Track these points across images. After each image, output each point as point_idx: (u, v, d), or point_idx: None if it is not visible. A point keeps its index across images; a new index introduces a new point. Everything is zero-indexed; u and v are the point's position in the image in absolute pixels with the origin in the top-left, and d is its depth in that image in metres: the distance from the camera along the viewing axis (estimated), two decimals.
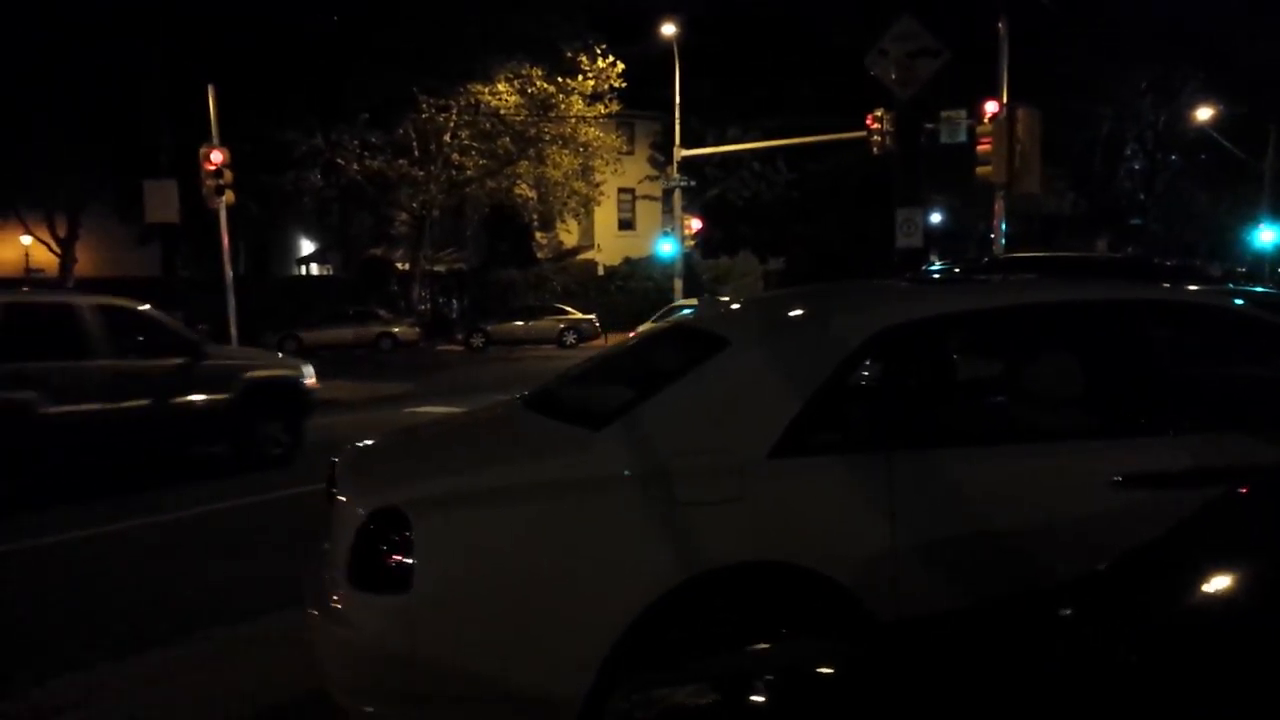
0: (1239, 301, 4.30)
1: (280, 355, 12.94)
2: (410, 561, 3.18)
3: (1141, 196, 52.08)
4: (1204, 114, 43.20)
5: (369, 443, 4.32)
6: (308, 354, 25.05)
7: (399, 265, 37.44)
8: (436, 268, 37.34)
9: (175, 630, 5.56)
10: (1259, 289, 14.65)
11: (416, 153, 29.05)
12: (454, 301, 39.46)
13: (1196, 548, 2.24)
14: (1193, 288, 7.54)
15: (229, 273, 18.25)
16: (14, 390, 8.81)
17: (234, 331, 18.10)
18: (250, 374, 10.82)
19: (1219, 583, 2.10)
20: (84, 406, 9.27)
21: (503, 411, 4.55)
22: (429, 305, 38.18)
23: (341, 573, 3.38)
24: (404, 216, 32.43)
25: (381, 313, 33.67)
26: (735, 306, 4.83)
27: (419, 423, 4.72)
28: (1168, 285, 5.18)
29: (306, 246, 47.04)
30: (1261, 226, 40.35)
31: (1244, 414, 3.84)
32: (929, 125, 20.89)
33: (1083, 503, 3.50)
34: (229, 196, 17.62)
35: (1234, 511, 2.38)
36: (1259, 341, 4.08)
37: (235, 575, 6.64)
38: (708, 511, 3.31)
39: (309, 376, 11.37)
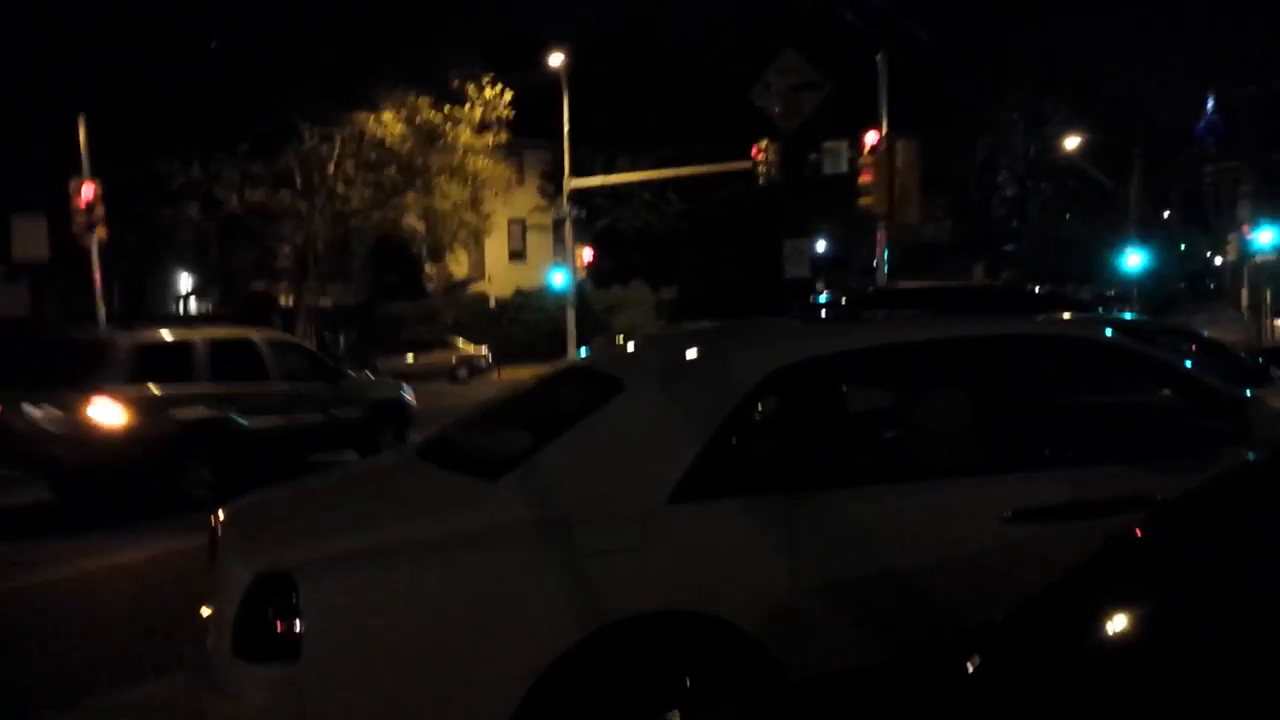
0: (1109, 332, 4.43)
1: (389, 380, 15.92)
2: (299, 629, 3.03)
3: (1015, 223, 54.12)
4: (1072, 143, 45.17)
5: (252, 499, 4.14)
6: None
7: (282, 300, 36.50)
8: (322, 302, 36.49)
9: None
10: (1126, 314, 15.33)
11: (300, 184, 28.38)
12: (340, 336, 38.65)
13: (1094, 592, 2.26)
14: (1067, 318, 7.82)
15: (102, 311, 17.52)
16: (217, 408, 10.89)
17: None
18: (373, 394, 13.60)
19: (1120, 627, 2.12)
20: (267, 421, 11.36)
21: (395, 462, 4.42)
22: (314, 340, 37.28)
23: (226, 642, 3.21)
24: (287, 250, 31.59)
25: None
26: (631, 347, 4.79)
27: (305, 475, 4.53)
28: (1043, 318, 5.33)
29: (186, 282, 45.54)
30: (1128, 251, 42.24)
31: (1123, 443, 3.95)
32: (813, 156, 21.32)
33: (976, 539, 3.54)
34: (101, 232, 16.95)
35: (1129, 553, 2.42)
36: (1130, 370, 4.21)
37: None
38: (609, 561, 3.25)
39: (410, 396, 14.16)
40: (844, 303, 12.80)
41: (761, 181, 24.01)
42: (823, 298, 15.13)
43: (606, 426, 3.60)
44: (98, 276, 17.40)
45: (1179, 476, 3.62)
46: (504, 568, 3.20)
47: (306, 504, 4.04)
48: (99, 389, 10.12)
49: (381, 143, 28.25)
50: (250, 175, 28.20)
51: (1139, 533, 2.45)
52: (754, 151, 23.97)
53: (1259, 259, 29.60)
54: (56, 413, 10.10)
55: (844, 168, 20.73)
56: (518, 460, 3.53)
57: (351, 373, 14.47)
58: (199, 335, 11.48)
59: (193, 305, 45.40)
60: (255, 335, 12.25)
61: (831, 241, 43.60)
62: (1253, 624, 1.80)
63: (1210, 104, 61.85)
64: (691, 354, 4.11)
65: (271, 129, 26.53)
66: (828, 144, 21.05)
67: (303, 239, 29.86)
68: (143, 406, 10.27)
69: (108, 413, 10.04)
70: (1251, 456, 2.61)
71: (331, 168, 28.40)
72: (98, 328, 14.89)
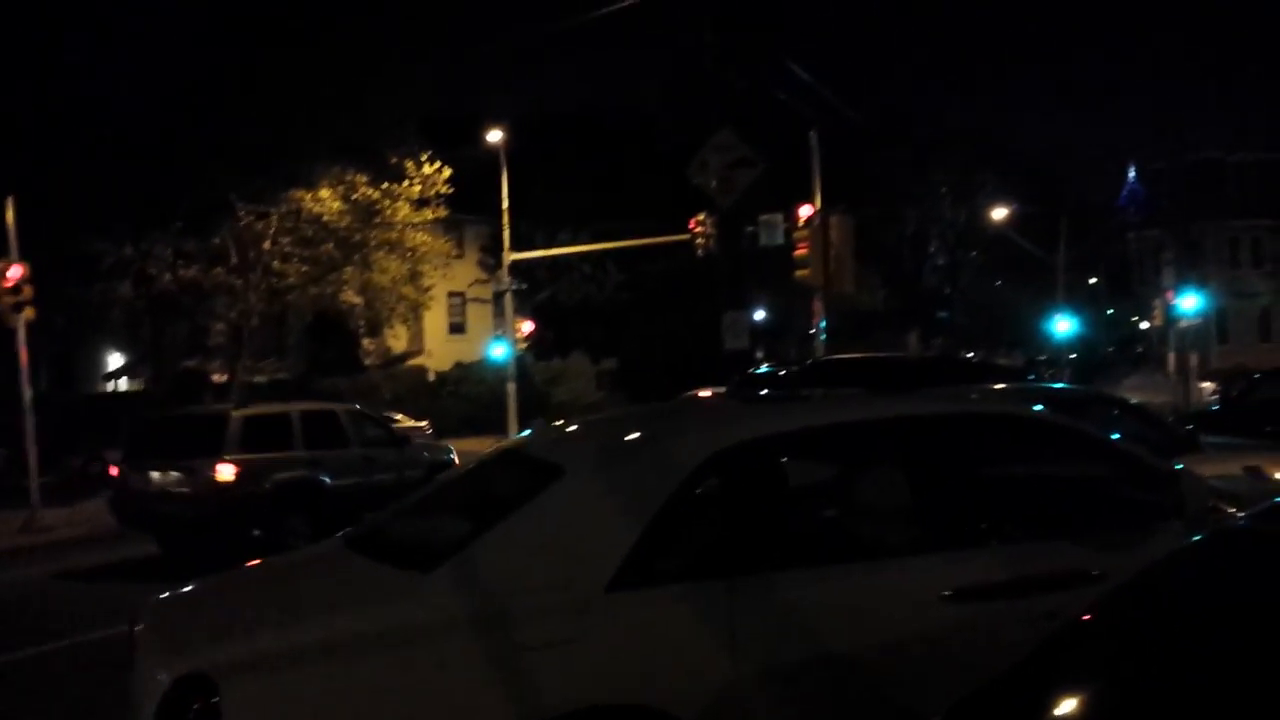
0: (1041, 408, 4.49)
1: (441, 445, 18.20)
2: None
3: (947, 291, 55.28)
4: (1000, 213, 46.40)
5: (172, 593, 3.98)
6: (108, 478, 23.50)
7: (215, 377, 35.86)
8: (256, 379, 35.94)
9: None
10: (1058, 383, 15.63)
11: (234, 260, 28.05)
12: None
13: (1046, 681, 2.24)
14: (1001, 389, 7.93)
15: (28, 392, 17.03)
16: (311, 471, 12.63)
17: (33, 454, 16.82)
18: (430, 456, 15.43)
19: (1074, 716, 2.10)
20: (349, 480, 12.93)
21: (323, 554, 4.28)
22: None
23: None
24: (220, 326, 31.12)
25: None
26: (569, 431, 4.74)
27: (230, 569, 4.38)
28: (977, 394, 5.39)
29: (115, 360, 44.59)
30: (1057, 317, 43.26)
31: (1058, 518, 3.97)
32: (750, 228, 21.64)
33: (918, 620, 3.52)
34: (29, 313, 16.55)
35: (1080, 640, 2.40)
36: (1062, 446, 4.26)
37: None
38: (547, 654, 3.17)
39: (456, 457, 15.96)
40: (783, 375, 12.93)
41: (700, 253, 24.26)
42: (763, 369, 15.26)
43: (544, 514, 3.53)
44: (24, 357, 16.94)
45: (1115, 551, 3.65)
46: (437, 666, 3.10)
47: (229, 600, 3.88)
48: (216, 456, 12.06)
49: (318, 219, 28.10)
50: (183, 252, 27.83)
51: (1089, 618, 2.44)
52: (692, 224, 24.26)
53: (1183, 324, 30.47)
54: (178, 476, 12.12)
55: (780, 239, 21.04)
56: (452, 551, 3.45)
57: (412, 439, 17.46)
58: (293, 409, 13.65)
59: (123, 384, 44.44)
60: (338, 409, 14.73)
61: (771, 310, 44.11)
62: (1205, 712, 1.79)
63: (1132, 175, 64.13)
64: (630, 438, 4.08)
65: (206, 207, 26.29)
66: (764, 216, 21.38)
67: (237, 315, 29.43)
68: (250, 470, 12.11)
69: (223, 475, 11.94)
70: (1197, 538, 2.61)
71: (267, 244, 28.12)
72: (213, 405, 18.27)
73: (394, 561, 3.64)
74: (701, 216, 23.92)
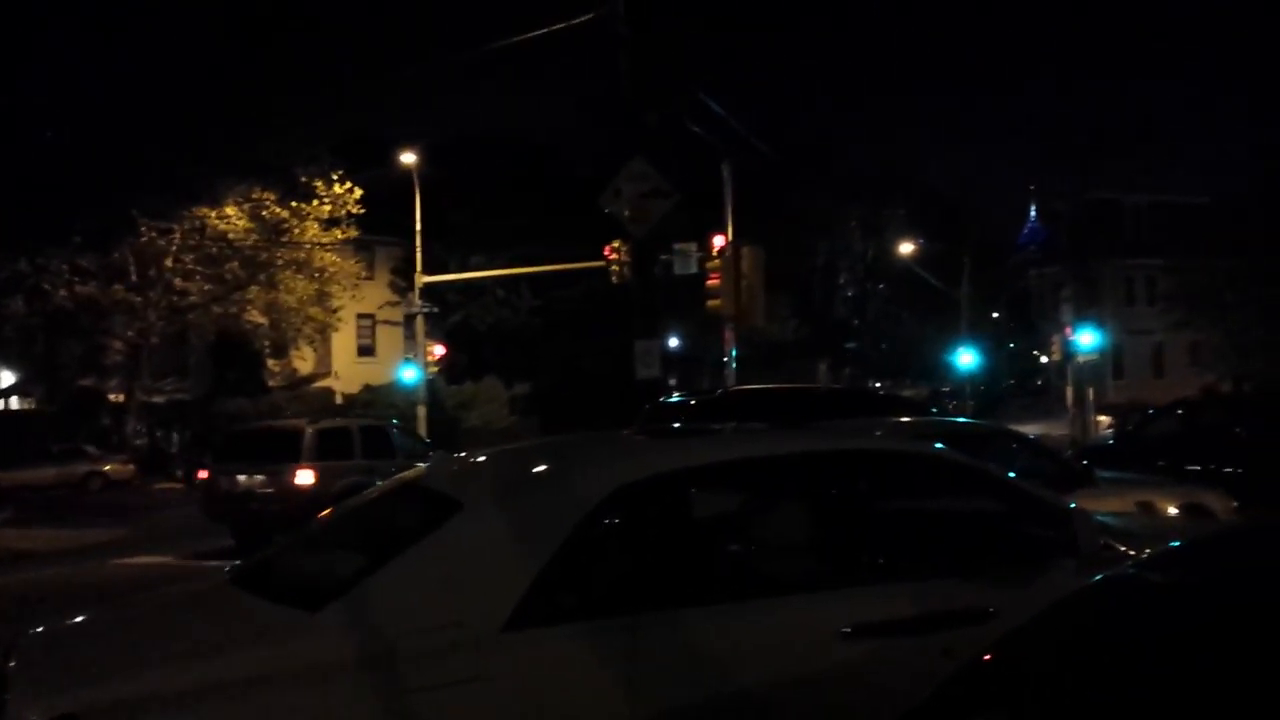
0: (941, 446, 4.54)
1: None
2: None
3: (856, 322, 56.34)
4: (907, 247, 47.47)
5: (49, 628, 3.77)
6: (3, 498, 22.56)
7: (112, 397, 34.72)
8: (155, 399, 34.92)
9: None
10: (960, 418, 15.98)
11: (135, 277, 27.28)
12: (174, 435, 36.93)
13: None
14: (903, 425, 8.04)
15: None
16: (367, 476, 13.46)
17: None
18: None
19: None
20: None
21: (207, 591, 4.10)
22: (146, 440, 35.56)
23: None
24: (118, 345, 30.23)
25: (90, 449, 30.97)
26: (469, 463, 4.65)
27: (108, 604, 4.18)
28: (881, 431, 5.45)
29: (6, 378, 42.87)
30: (960, 350, 44.33)
31: (957, 555, 4.01)
32: (664, 256, 21.71)
33: (817, 657, 3.50)
34: None
35: (982, 682, 2.41)
36: (961, 483, 4.31)
37: None
38: (439, 697, 3.06)
39: None
40: (694, 404, 12.98)
41: (615, 280, 24.24)
42: (674, 398, 15.30)
43: (439, 550, 3.44)
44: None
45: (1010, 588, 3.69)
46: (325, 709, 2.98)
47: (109, 638, 3.68)
48: (296, 462, 14.54)
49: (224, 236, 27.49)
50: (81, 268, 26.96)
51: (989, 658, 2.45)
52: (607, 251, 24.26)
53: (1081, 359, 31.41)
54: (263, 479, 14.41)
55: (694, 269, 21.15)
56: (342, 588, 3.32)
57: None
58: (353, 424, 16.56)
59: (14, 402, 42.72)
60: (386, 425, 17.83)
61: (685, 338, 44.37)
62: None
63: (1033, 213, 66.23)
64: (532, 472, 4.01)
65: (106, 221, 25.54)
66: (678, 246, 21.48)
67: (136, 333, 28.59)
68: (322, 474, 14.36)
69: (303, 479, 14.28)
70: (1089, 582, 2.65)
71: (169, 261, 27.42)
72: (289, 420, 20.50)
73: (281, 599, 3.50)
74: (617, 243, 23.93)
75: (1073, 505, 4.32)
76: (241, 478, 14.80)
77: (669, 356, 37.99)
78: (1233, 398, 25.03)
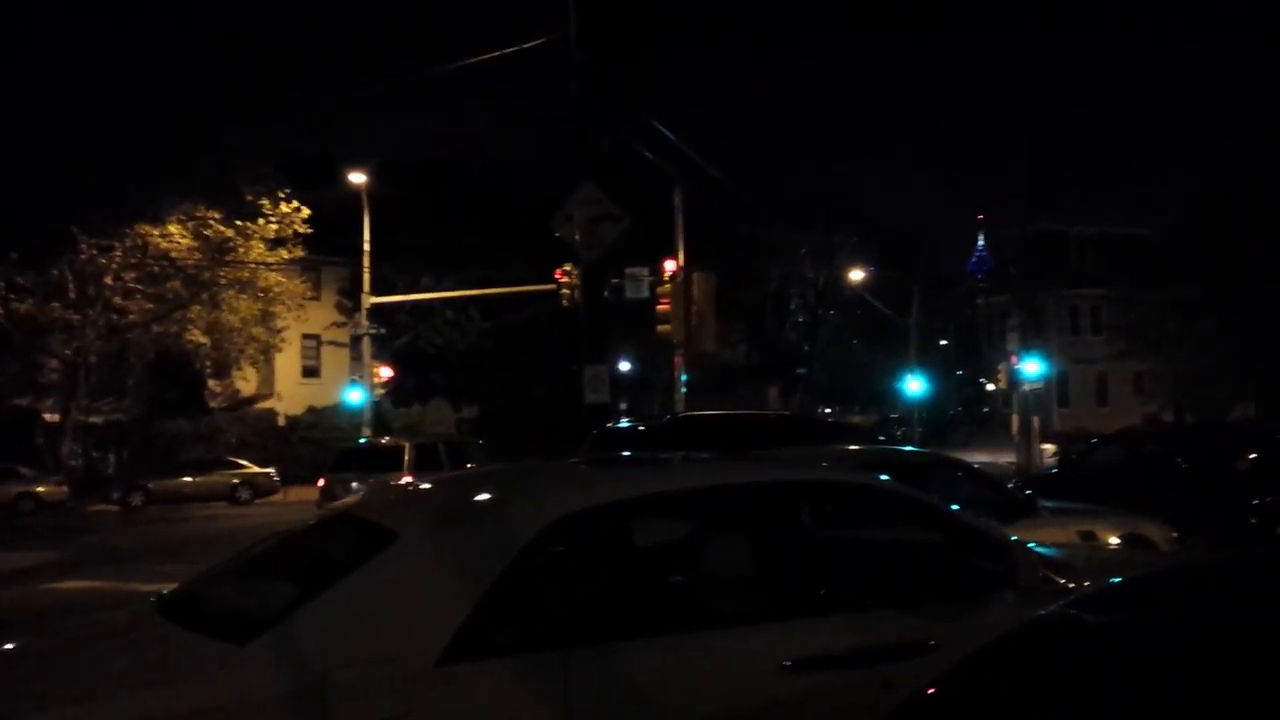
0: (885, 477, 4.53)
1: None
2: None
3: (806, 348, 56.72)
4: (857, 275, 47.96)
5: None
6: None
7: (48, 416, 33.94)
8: (92, 419, 34.20)
9: None
10: (905, 448, 16.08)
11: (73, 295, 26.70)
12: (111, 456, 36.17)
13: None
14: (847, 454, 8.04)
15: None
16: None
17: None
18: None
19: None
20: None
21: (130, 621, 3.96)
22: (81, 460, 34.79)
23: None
24: (55, 363, 29.55)
25: (23, 470, 30.20)
26: (406, 492, 4.55)
27: (31, 633, 4.01)
28: (826, 463, 5.45)
29: None
30: (909, 377, 44.82)
31: (898, 587, 3.99)
32: (616, 280, 21.70)
33: (757, 690, 3.45)
34: None
35: (925, 715, 2.38)
36: (903, 514, 4.30)
37: None
38: None
39: None
40: (642, 430, 12.94)
41: (566, 304, 24.19)
42: (623, 423, 15.25)
43: (372, 582, 3.34)
44: None
45: (951, 621, 3.68)
46: None
47: (24, 671, 3.53)
48: (400, 472, 17.66)
49: (166, 255, 27.02)
50: (17, 285, 26.35)
51: (931, 693, 2.42)
52: (558, 274, 24.21)
53: (1026, 387, 31.81)
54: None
55: (645, 293, 21.16)
56: (272, 621, 3.21)
57: None
58: (440, 441, 20.62)
59: None
60: (471, 443, 22.53)
61: (636, 362, 44.37)
62: None
63: (981, 242, 67.34)
64: (469, 502, 3.93)
65: (44, 238, 25.00)
66: (630, 270, 21.47)
67: (73, 352, 27.96)
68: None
69: None
70: (1049, 609, 2.65)
71: (110, 279, 26.88)
72: (392, 437, 23.90)
73: (208, 631, 3.38)
74: (568, 267, 23.90)
75: (1013, 538, 4.33)
76: (354, 484, 16.82)
77: (620, 380, 37.92)
78: (1175, 428, 25.46)
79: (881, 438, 20.42)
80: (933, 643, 3.58)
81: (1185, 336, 37.27)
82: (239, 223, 27.43)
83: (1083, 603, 2.54)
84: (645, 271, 21.26)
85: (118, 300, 27.18)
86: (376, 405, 32.63)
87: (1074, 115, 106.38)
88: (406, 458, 18.88)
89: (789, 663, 3.49)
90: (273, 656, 3.07)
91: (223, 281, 28.17)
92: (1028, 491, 9.48)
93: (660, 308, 18.73)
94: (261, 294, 29.08)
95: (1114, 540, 8.05)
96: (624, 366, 42.87)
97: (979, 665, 2.46)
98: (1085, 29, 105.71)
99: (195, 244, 26.95)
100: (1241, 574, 2.59)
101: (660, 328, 18.78)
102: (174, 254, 26.86)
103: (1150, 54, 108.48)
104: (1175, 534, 8.73)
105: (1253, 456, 11.88)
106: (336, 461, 20.80)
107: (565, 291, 24.02)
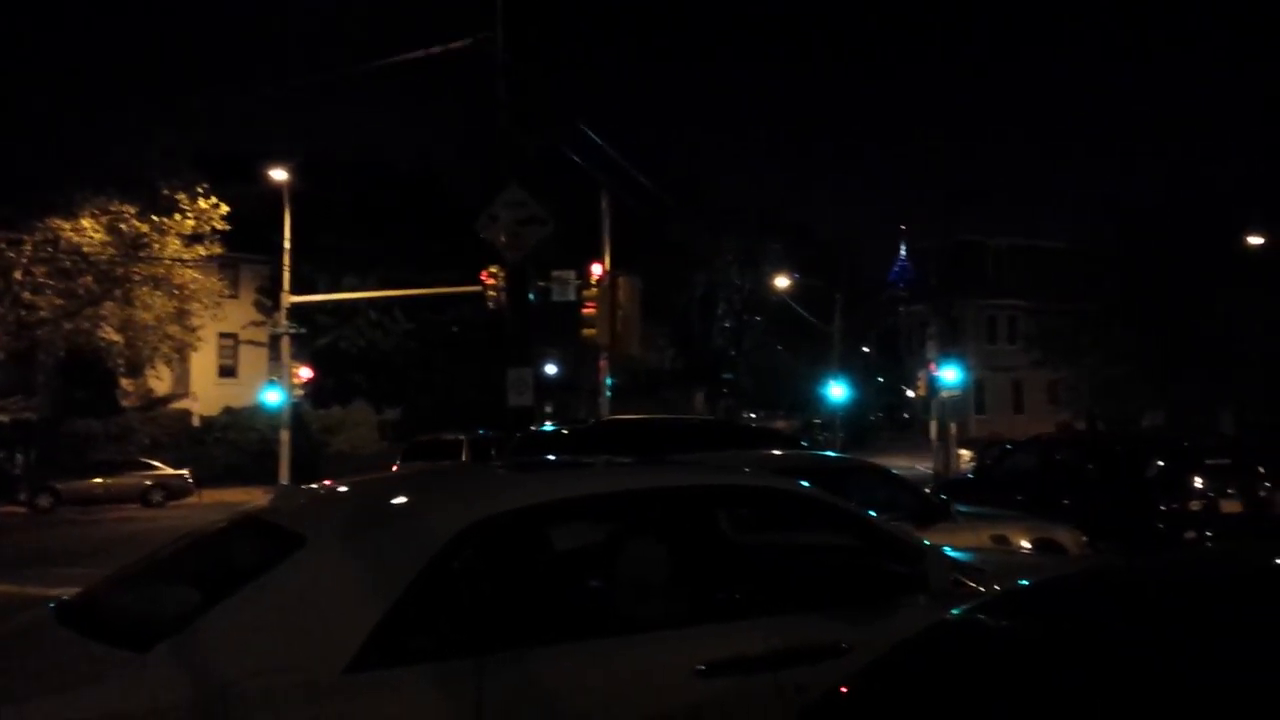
0: (803, 482, 4.58)
1: None
2: None
3: (732, 353, 57.15)
4: (783, 282, 48.43)
5: None
6: None
7: None
8: None
9: None
10: (825, 453, 16.27)
11: None
12: (18, 456, 35.03)
13: None
14: (766, 459, 8.11)
15: None
16: None
17: None
18: None
19: None
20: None
21: (26, 628, 3.82)
22: None
23: None
24: None
25: None
26: (317, 496, 4.47)
27: None
28: (748, 468, 5.48)
29: None
30: (832, 382, 45.40)
31: (811, 591, 4.03)
32: (543, 284, 21.60)
33: (671, 695, 3.46)
34: None
35: (837, 714, 2.40)
36: (818, 519, 4.35)
37: None
38: None
39: None
40: (565, 434, 12.90)
41: (491, 306, 24.02)
42: (546, 427, 15.19)
43: (280, 587, 3.27)
44: None
45: (863, 625, 3.72)
46: None
47: None
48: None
49: (78, 249, 26.21)
50: None
51: (844, 691, 2.44)
52: (484, 276, 24.03)
53: (944, 394, 32.46)
54: None
55: (572, 296, 21.12)
56: (174, 627, 3.13)
57: None
58: (494, 436, 19.90)
59: None
60: (468, 435, 22.83)
61: (561, 365, 44.24)
62: None
63: (903, 252, 68.49)
64: (382, 506, 3.87)
65: None
66: (556, 273, 21.41)
67: None
68: None
69: None
70: (956, 612, 2.69)
71: (18, 274, 26.00)
72: (454, 433, 24.61)
73: (107, 638, 3.27)
74: (494, 269, 23.74)
75: (926, 543, 4.40)
76: None
77: (545, 384, 37.77)
78: (1086, 436, 26.12)
79: (804, 443, 20.66)
80: (845, 645, 3.62)
81: (1098, 347, 38.30)
82: (155, 218, 26.72)
83: (988, 606, 2.59)
84: (572, 275, 21.22)
85: (27, 296, 26.30)
86: (295, 406, 32.06)
87: (996, 129, 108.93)
88: (465, 449, 21.39)
89: (703, 666, 3.50)
90: (175, 664, 2.99)
91: (137, 278, 27.41)
92: (943, 496, 9.65)
93: (585, 311, 18.72)
94: (177, 291, 28.38)
95: (1025, 545, 8.23)
96: (550, 369, 42.73)
97: (885, 667, 2.49)
98: (1010, 43, 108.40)
99: (109, 239, 26.20)
100: (1147, 579, 2.65)
101: (585, 331, 18.77)
102: (86, 249, 26.06)
103: (1071, 70, 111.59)
104: (1085, 539, 8.96)
105: (1161, 464, 12.19)
106: (408, 451, 22.98)
107: (491, 294, 23.84)
